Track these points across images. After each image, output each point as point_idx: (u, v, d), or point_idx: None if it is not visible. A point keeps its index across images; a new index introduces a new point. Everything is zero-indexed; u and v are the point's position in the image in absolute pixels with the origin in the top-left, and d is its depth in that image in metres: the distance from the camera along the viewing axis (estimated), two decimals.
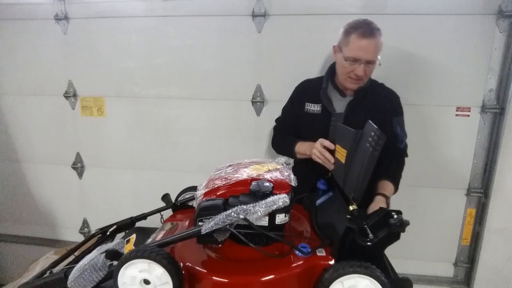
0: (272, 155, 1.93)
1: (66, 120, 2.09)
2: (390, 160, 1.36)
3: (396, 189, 1.34)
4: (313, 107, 1.46)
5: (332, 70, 1.47)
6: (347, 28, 1.33)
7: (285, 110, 1.63)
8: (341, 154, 1.07)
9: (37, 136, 2.15)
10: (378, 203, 1.21)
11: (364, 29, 1.28)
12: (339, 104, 1.43)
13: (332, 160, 1.19)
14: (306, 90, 1.52)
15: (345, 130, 1.06)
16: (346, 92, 1.43)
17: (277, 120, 1.68)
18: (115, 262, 0.87)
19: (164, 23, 1.87)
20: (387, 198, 1.29)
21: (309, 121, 1.47)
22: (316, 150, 1.25)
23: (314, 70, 1.69)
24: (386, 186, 1.31)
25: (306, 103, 1.47)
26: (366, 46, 1.28)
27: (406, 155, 1.47)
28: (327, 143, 1.22)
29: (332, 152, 1.20)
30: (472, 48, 1.68)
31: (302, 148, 1.41)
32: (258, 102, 1.89)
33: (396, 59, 1.71)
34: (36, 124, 2.13)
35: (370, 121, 0.91)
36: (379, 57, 1.31)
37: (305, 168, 1.38)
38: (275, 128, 1.68)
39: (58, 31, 1.96)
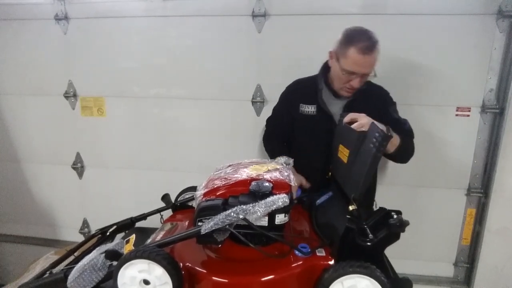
0: None
1: (66, 120, 2.09)
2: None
3: (399, 144, 1.28)
4: (308, 108, 1.45)
5: (324, 70, 1.46)
6: (345, 38, 1.29)
7: (276, 110, 1.62)
8: (344, 154, 1.07)
9: (37, 136, 2.15)
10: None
11: (363, 44, 1.24)
12: (334, 105, 1.43)
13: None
14: (300, 91, 1.51)
15: (350, 131, 1.07)
16: (340, 94, 1.42)
17: (268, 120, 1.67)
18: (114, 262, 0.87)
19: (164, 23, 1.87)
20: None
21: (304, 122, 1.46)
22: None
23: (314, 70, 1.69)
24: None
25: (301, 104, 1.46)
26: (364, 62, 1.26)
27: (413, 136, 1.43)
28: (304, 182, 1.37)
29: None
30: (472, 48, 1.67)
31: None
32: (258, 102, 1.89)
33: (396, 59, 1.71)
34: (36, 124, 2.13)
35: (374, 122, 0.91)
36: (375, 69, 1.31)
37: (306, 168, 1.39)
38: (266, 126, 1.69)
39: (58, 31, 1.96)
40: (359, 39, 1.25)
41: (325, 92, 1.44)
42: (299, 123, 1.47)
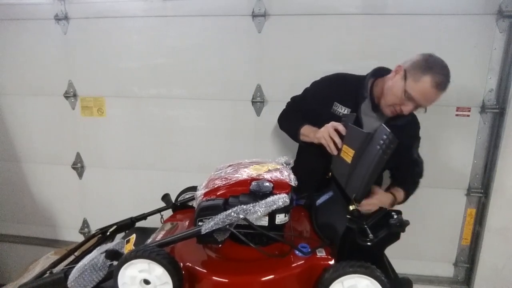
0: (271, 155, 1.92)
1: (66, 120, 2.09)
2: (407, 178, 1.44)
3: (405, 199, 1.40)
4: (341, 110, 1.35)
5: (374, 76, 1.37)
6: (425, 63, 1.21)
7: (307, 94, 1.49)
8: (348, 154, 1.06)
9: (37, 136, 2.15)
10: (382, 196, 1.24)
11: (441, 78, 1.18)
12: (369, 120, 1.34)
13: (340, 145, 1.11)
14: (339, 89, 1.39)
15: (356, 131, 1.05)
16: (382, 110, 1.32)
17: (294, 98, 1.54)
18: (115, 262, 0.87)
19: (164, 23, 1.87)
20: (394, 198, 1.34)
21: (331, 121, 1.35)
22: (326, 130, 1.16)
23: (314, 70, 1.69)
24: (398, 191, 1.36)
25: (335, 103, 1.36)
26: (432, 96, 1.21)
27: (421, 176, 1.49)
28: (340, 127, 1.13)
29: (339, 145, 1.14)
30: (472, 48, 1.68)
31: (309, 130, 1.32)
32: (258, 102, 1.89)
33: (396, 59, 1.70)
34: (36, 124, 2.13)
35: (383, 125, 0.91)
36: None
37: (307, 168, 1.38)
38: (288, 104, 1.56)
39: (58, 31, 1.96)
40: (439, 72, 1.19)
41: (366, 102, 1.34)
42: (325, 120, 1.26)
